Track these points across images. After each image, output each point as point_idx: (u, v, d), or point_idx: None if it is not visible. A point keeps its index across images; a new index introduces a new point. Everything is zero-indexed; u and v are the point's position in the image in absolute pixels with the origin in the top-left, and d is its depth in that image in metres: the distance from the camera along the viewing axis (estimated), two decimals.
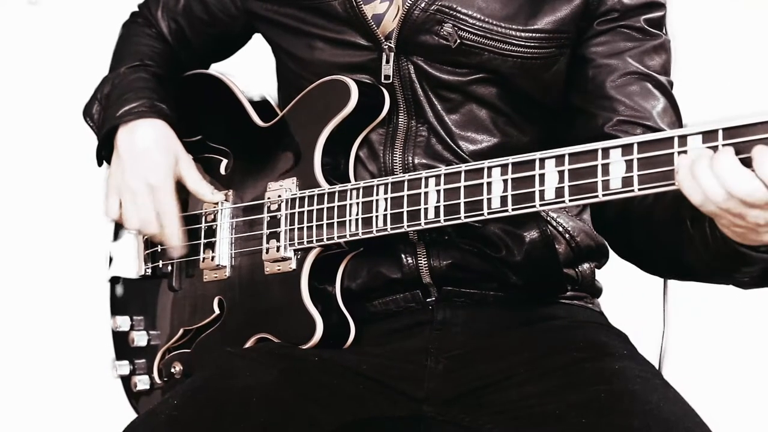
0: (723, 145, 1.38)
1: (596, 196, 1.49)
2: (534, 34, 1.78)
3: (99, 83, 2.05)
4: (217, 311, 1.93)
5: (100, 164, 2.01)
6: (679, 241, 1.59)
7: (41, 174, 3.39)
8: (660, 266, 1.76)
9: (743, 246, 1.47)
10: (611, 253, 1.93)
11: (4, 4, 3.43)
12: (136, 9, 2.17)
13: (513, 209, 1.58)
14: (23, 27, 3.43)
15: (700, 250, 1.55)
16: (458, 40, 1.78)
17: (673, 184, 1.42)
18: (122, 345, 2.09)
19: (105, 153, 1.98)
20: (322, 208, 1.79)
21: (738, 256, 1.49)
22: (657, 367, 1.83)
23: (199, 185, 1.94)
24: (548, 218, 1.86)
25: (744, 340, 3.20)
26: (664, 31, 1.84)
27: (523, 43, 1.78)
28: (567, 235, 1.87)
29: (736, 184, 1.35)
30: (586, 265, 1.92)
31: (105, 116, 1.97)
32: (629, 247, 1.79)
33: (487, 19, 1.78)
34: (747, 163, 1.35)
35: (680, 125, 1.79)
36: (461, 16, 1.78)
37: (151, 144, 1.91)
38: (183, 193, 1.95)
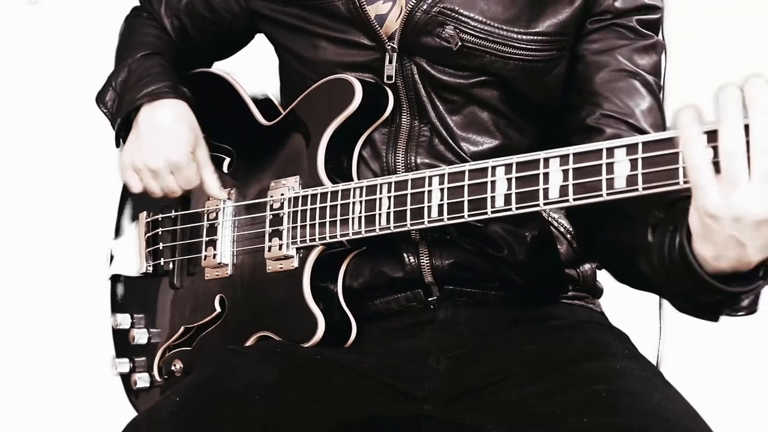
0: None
1: (600, 195, 1.49)
2: (535, 37, 1.79)
3: (112, 71, 2.05)
4: (218, 309, 1.93)
5: (118, 145, 2.01)
6: (637, 246, 1.57)
7: (42, 173, 3.39)
8: (617, 269, 1.75)
9: (707, 273, 1.43)
10: None
11: (4, 4, 3.43)
12: (138, 4, 2.17)
13: (517, 208, 1.58)
14: (23, 27, 3.43)
15: (654, 262, 1.52)
16: (459, 43, 1.78)
17: (678, 184, 1.41)
18: (122, 343, 2.09)
19: (124, 135, 1.98)
20: (325, 207, 1.79)
21: (699, 281, 1.44)
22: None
23: (212, 177, 1.95)
24: (550, 218, 1.86)
25: (743, 340, 3.20)
26: (659, 34, 1.84)
27: (524, 46, 1.79)
28: (569, 236, 1.88)
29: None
30: (587, 266, 1.93)
31: (123, 101, 1.97)
32: (591, 245, 1.80)
33: (488, 22, 1.78)
34: None
35: (664, 126, 1.79)
36: (463, 19, 1.78)
37: (173, 122, 1.92)
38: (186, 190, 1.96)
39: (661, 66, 1.83)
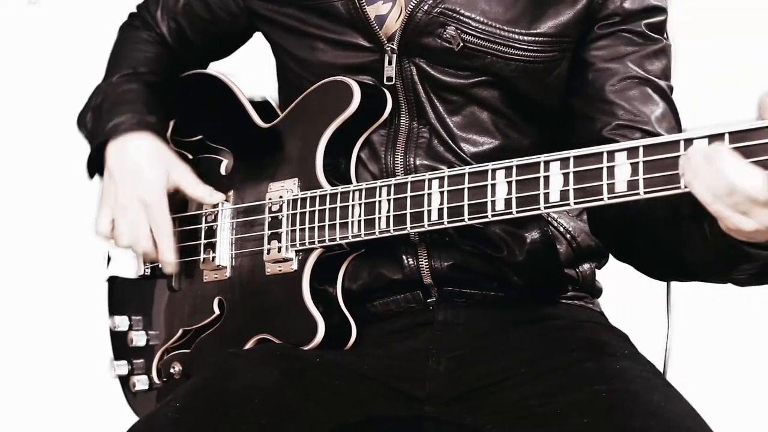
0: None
1: (601, 199, 1.49)
2: (537, 38, 1.78)
3: (92, 91, 2.04)
4: (217, 312, 1.93)
5: (91, 177, 1.99)
6: (679, 239, 1.59)
7: (40, 174, 3.39)
8: (659, 266, 1.75)
9: (743, 243, 1.46)
10: None
11: (4, 4, 3.43)
12: (135, 10, 2.16)
13: (517, 211, 1.58)
14: (23, 27, 3.43)
15: (699, 247, 1.55)
16: (461, 44, 1.78)
17: (679, 188, 1.42)
18: (120, 345, 2.08)
19: (97, 166, 1.97)
20: (325, 209, 1.78)
21: (737, 253, 1.48)
22: (662, 370, 1.83)
23: (196, 189, 1.94)
24: (549, 219, 1.87)
25: (747, 341, 3.20)
26: (665, 35, 1.84)
27: (525, 47, 1.78)
28: (568, 236, 1.88)
29: (734, 176, 1.34)
30: (586, 266, 1.93)
31: (95, 128, 1.96)
32: (629, 248, 1.79)
33: (490, 23, 1.78)
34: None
35: (679, 130, 1.79)
36: (464, 20, 1.78)
37: (142, 160, 1.90)
38: (182, 194, 1.95)
39: (670, 68, 1.83)
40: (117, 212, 1.91)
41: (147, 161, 1.90)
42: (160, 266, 2.03)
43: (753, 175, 1.35)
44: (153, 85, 2.01)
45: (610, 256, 1.95)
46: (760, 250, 1.47)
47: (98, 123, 1.95)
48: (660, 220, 1.63)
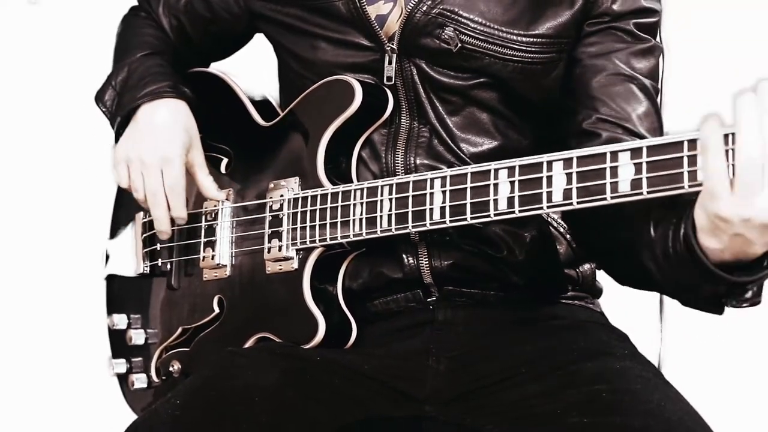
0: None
1: (605, 199, 1.49)
2: (535, 39, 1.79)
3: (112, 70, 2.04)
4: (216, 310, 1.92)
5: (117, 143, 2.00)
6: (640, 243, 1.59)
7: (40, 173, 3.39)
8: (616, 267, 1.76)
9: (711, 263, 1.47)
10: None
11: (4, 4, 3.42)
12: (136, 3, 2.16)
13: (520, 211, 1.58)
14: (23, 27, 3.42)
15: (658, 256, 1.55)
16: (459, 45, 1.78)
17: (682, 188, 1.42)
18: (119, 343, 2.08)
19: (123, 132, 1.98)
20: (326, 208, 1.78)
21: (703, 271, 1.48)
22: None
23: (206, 178, 1.95)
24: (549, 219, 1.87)
25: (742, 340, 3.20)
26: (656, 38, 1.83)
27: (524, 48, 1.79)
28: (568, 236, 1.88)
29: None
30: (586, 266, 1.93)
31: (123, 100, 1.97)
32: (591, 246, 1.80)
33: (488, 24, 1.78)
34: None
35: (661, 131, 1.79)
36: (463, 21, 1.78)
37: (170, 121, 1.91)
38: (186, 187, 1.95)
39: (658, 69, 1.83)
40: (134, 164, 1.92)
41: (176, 124, 1.92)
42: (159, 264, 2.03)
43: None
44: (173, 66, 2.02)
45: None
46: (726, 274, 1.47)
47: (127, 94, 1.96)
48: (625, 220, 1.63)
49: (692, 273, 1.50)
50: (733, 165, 1.37)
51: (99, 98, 2.03)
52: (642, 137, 1.73)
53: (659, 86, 1.83)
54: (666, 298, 1.86)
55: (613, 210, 1.57)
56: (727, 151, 1.37)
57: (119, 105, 1.98)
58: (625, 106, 1.77)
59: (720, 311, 1.55)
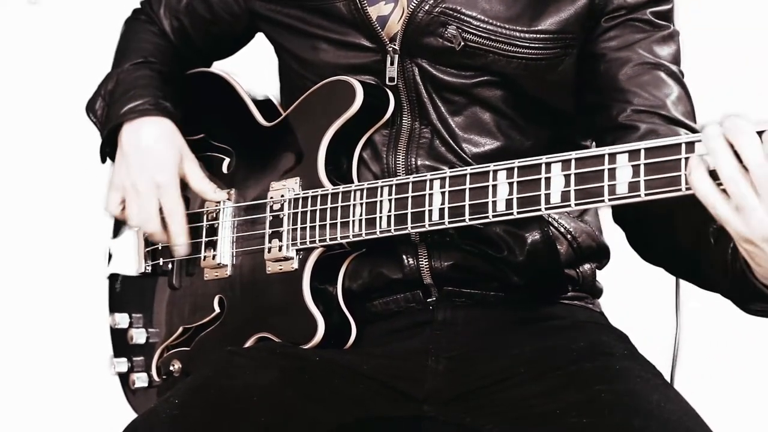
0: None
1: (602, 201, 1.49)
2: (538, 35, 1.79)
3: (102, 79, 2.05)
4: (217, 310, 1.93)
5: (103, 161, 2.01)
6: (700, 253, 1.60)
7: (41, 173, 3.39)
8: (680, 270, 1.76)
9: (760, 282, 1.48)
10: (612, 254, 1.94)
11: (4, 4, 3.42)
12: (138, 6, 2.17)
13: (518, 212, 1.58)
14: (23, 27, 3.42)
15: (719, 272, 1.56)
16: (462, 43, 1.79)
17: (680, 190, 1.42)
18: (120, 342, 2.09)
19: (109, 150, 1.98)
20: (326, 209, 1.79)
21: (754, 291, 1.50)
22: (670, 370, 1.84)
23: (202, 183, 1.95)
24: (550, 219, 1.87)
25: (751, 343, 3.20)
26: (672, 23, 1.84)
27: (527, 45, 1.79)
28: (569, 236, 1.88)
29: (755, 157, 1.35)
30: (587, 266, 1.93)
31: (108, 113, 1.97)
32: (647, 246, 1.79)
33: (491, 21, 1.78)
34: None
35: (693, 114, 1.79)
36: (465, 18, 1.78)
37: (156, 142, 1.91)
38: (184, 191, 1.95)
39: (680, 54, 1.83)
40: (128, 192, 1.92)
41: (161, 144, 1.91)
42: (161, 263, 2.04)
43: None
44: (164, 74, 2.02)
45: (611, 257, 1.96)
46: None
47: (112, 108, 1.97)
48: (681, 227, 1.63)
49: (748, 290, 1.51)
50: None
51: (90, 108, 2.04)
52: (680, 123, 1.74)
53: (682, 69, 1.83)
54: (681, 296, 1.87)
55: (671, 215, 1.60)
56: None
57: (107, 118, 1.98)
58: (657, 93, 1.77)
59: None
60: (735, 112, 1.38)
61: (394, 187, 1.72)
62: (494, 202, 1.60)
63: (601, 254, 1.95)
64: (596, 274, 1.96)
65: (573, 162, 1.53)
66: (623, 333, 1.89)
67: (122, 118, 1.93)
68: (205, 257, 1.95)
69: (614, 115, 1.78)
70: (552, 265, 1.86)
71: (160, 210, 1.92)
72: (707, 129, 1.38)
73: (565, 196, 1.53)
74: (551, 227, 1.86)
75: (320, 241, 1.79)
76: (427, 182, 1.68)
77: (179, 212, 1.91)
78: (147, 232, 1.95)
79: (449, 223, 1.65)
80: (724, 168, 1.37)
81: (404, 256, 1.84)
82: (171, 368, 1.96)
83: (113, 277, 2.14)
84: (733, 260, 1.51)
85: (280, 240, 1.84)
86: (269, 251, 1.85)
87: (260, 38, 2.08)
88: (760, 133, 1.36)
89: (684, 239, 1.64)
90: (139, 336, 2.05)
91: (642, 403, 1.59)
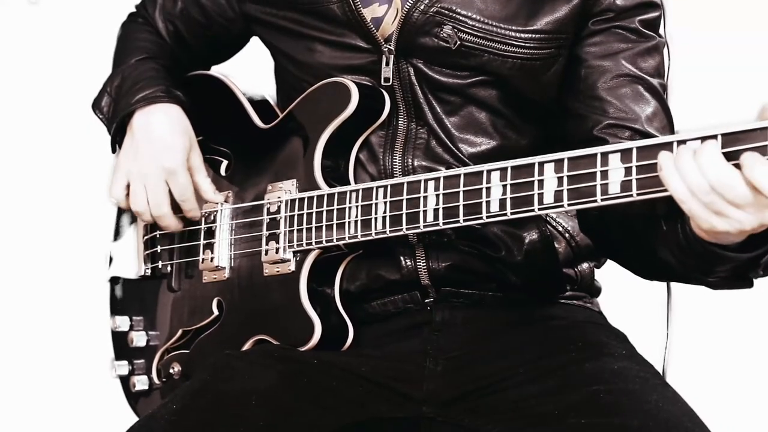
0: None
1: (595, 201, 1.50)
2: (533, 35, 1.79)
3: (107, 78, 2.05)
4: (216, 312, 1.93)
5: (114, 151, 2.01)
6: (654, 238, 1.60)
7: (41, 173, 3.40)
8: (637, 264, 1.76)
9: (714, 245, 1.48)
10: None
11: (4, 4, 3.43)
12: (134, 10, 2.17)
13: (512, 213, 1.58)
14: (23, 27, 3.43)
15: (673, 248, 1.56)
16: (458, 42, 1.78)
17: None
18: (121, 345, 2.09)
19: (119, 139, 1.98)
20: (322, 211, 1.79)
21: (710, 255, 1.50)
22: (661, 370, 1.83)
23: (205, 181, 1.95)
24: (548, 218, 1.87)
25: (746, 343, 3.20)
26: (659, 32, 1.83)
27: (522, 44, 1.79)
28: (567, 235, 1.88)
29: (715, 175, 1.36)
30: (585, 265, 1.93)
31: (118, 106, 1.97)
32: (608, 245, 1.80)
33: (486, 21, 1.78)
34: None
35: (671, 129, 1.79)
36: (461, 18, 1.78)
37: (168, 128, 1.92)
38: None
39: (664, 66, 1.83)
40: (135, 177, 1.92)
41: (173, 129, 1.92)
42: (160, 266, 2.04)
43: (732, 176, 1.36)
44: (169, 69, 2.02)
45: None
46: (734, 253, 1.49)
47: (122, 100, 1.96)
48: (636, 217, 1.64)
49: (705, 259, 1.51)
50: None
51: (96, 105, 2.03)
52: (652, 136, 1.73)
53: (665, 82, 1.83)
54: (673, 296, 1.87)
55: (624, 212, 1.60)
56: None
57: (115, 111, 1.98)
58: (634, 107, 1.77)
59: (749, 285, 1.56)
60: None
61: (388, 188, 1.72)
62: (488, 203, 1.60)
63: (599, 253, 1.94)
64: (595, 273, 1.96)
65: (566, 162, 1.53)
66: (622, 332, 1.89)
67: (134, 106, 1.93)
68: (203, 259, 1.95)
69: (590, 127, 1.78)
70: (550, 265, 1.86)
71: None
72: (659, 156, 1.41)
73: (557, 196, 1.53)
74: (549, 226, 1.86)
75: (317, 243, 1.79)
76: (422, 183, 1.68)
77: (190, 194, 1.92)
78: (157, 216, 1.94)
79: (444, 224, 1.65)
80: (677, 190, 1.41)
81: (402, 258, 1.83)
82: (171, 371, 1.97)
83: (114, 280, 2.15)
84: (684, 228, 1.52)
85: (277, 242, 1.84)
86: (266, 253, 1.85)
87: (257, 40, 2.08)
88: (704, 139, 1.39)
89: (639, 230, 1.64)
90: (139, 339, 2.05)
91: (640, 403, 1.59)
